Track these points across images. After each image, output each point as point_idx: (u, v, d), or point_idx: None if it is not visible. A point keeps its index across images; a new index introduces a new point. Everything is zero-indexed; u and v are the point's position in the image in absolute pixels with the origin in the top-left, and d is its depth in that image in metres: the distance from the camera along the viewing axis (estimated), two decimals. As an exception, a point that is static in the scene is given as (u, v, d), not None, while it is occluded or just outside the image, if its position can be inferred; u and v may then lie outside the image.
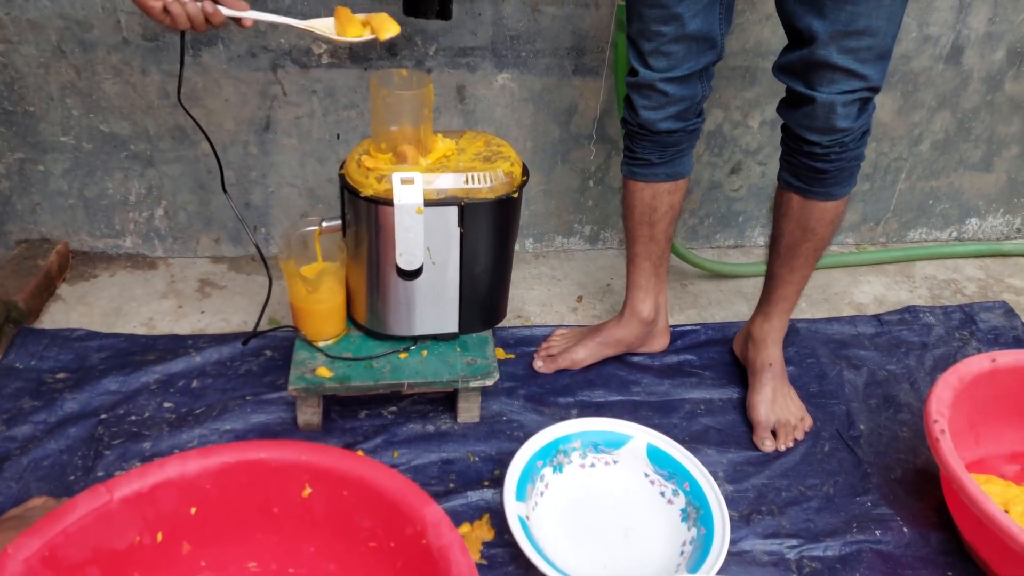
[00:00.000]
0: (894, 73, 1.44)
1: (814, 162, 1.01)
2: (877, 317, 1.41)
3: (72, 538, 0.73)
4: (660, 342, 1.28)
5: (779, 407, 1.14)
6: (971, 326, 1.41)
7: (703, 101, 1.07)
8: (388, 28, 0.96)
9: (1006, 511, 0.97)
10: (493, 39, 1.30)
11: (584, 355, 1.22)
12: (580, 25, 1.31)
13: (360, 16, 0.97)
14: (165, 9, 0.84)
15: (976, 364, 1.03)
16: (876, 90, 0.96)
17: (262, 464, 0.81)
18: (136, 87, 1.27)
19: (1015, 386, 1.05)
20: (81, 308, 1.31)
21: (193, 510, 0.80)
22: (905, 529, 1.01)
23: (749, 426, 1.15)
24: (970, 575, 0.96)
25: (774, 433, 1.13)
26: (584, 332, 1.26)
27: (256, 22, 0.91)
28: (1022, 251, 1.65)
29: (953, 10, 1.39)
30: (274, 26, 0.95)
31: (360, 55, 1.28)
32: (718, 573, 0.88)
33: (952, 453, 0.90)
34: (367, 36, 0.96)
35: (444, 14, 1.09)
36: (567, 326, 1.32)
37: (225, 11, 0.88)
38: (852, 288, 1.52)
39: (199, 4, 0.86)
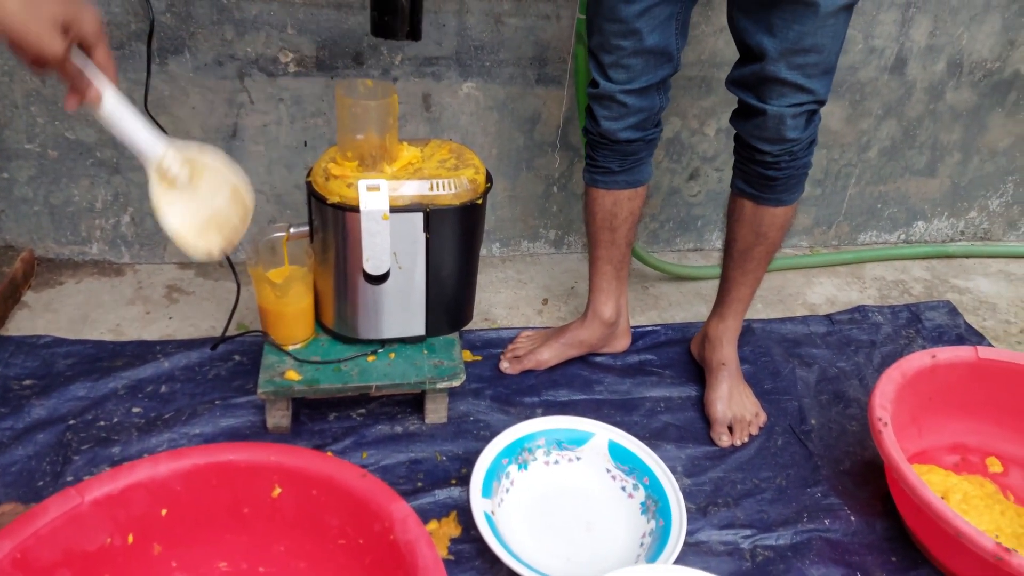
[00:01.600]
0: (842, 83, 1.50)
1: (765, 170, 1.07)
2: (829, 317, 1.47)
3: (43, 540, 0.74)
4: (622, 343, 1.32)
5: (735, 404, 1.19)
6: (917, 324, 1.47)
7: (661, 112, 1.12)
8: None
9: (944, 499, 1.02)
10: (458, 49, 1.33)
11: (549, 356, 1.26)
12: (542, 36, 1.35)
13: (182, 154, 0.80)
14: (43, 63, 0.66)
15: (918, 360, 1.09)
16: (822, 103, 1.02)
17: (232, 465, 0.83)
18: (102, 95, 1.27)
19: (954, 381, 1.11)
20: (47, 315, 1.30)
21: (164, 511, 0.82)
22: (852, 518, 1.06)
23: (707, 422, 1.19)
24: (912, 559, 1.01)
25: (730, 429, 1.17)
26: (549, 334, 1.29)
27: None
28: (966, 253, 1.73)
29: (896, 23, 1.46)
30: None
31: (326, 64, 1.30)
32: (675, 563, 0.92)
33: (894, 444, 0.95)
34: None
35: (414, 34, 1.06)
36: (533, 328, 1.35)
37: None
38: (805, 289, 1.58)
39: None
